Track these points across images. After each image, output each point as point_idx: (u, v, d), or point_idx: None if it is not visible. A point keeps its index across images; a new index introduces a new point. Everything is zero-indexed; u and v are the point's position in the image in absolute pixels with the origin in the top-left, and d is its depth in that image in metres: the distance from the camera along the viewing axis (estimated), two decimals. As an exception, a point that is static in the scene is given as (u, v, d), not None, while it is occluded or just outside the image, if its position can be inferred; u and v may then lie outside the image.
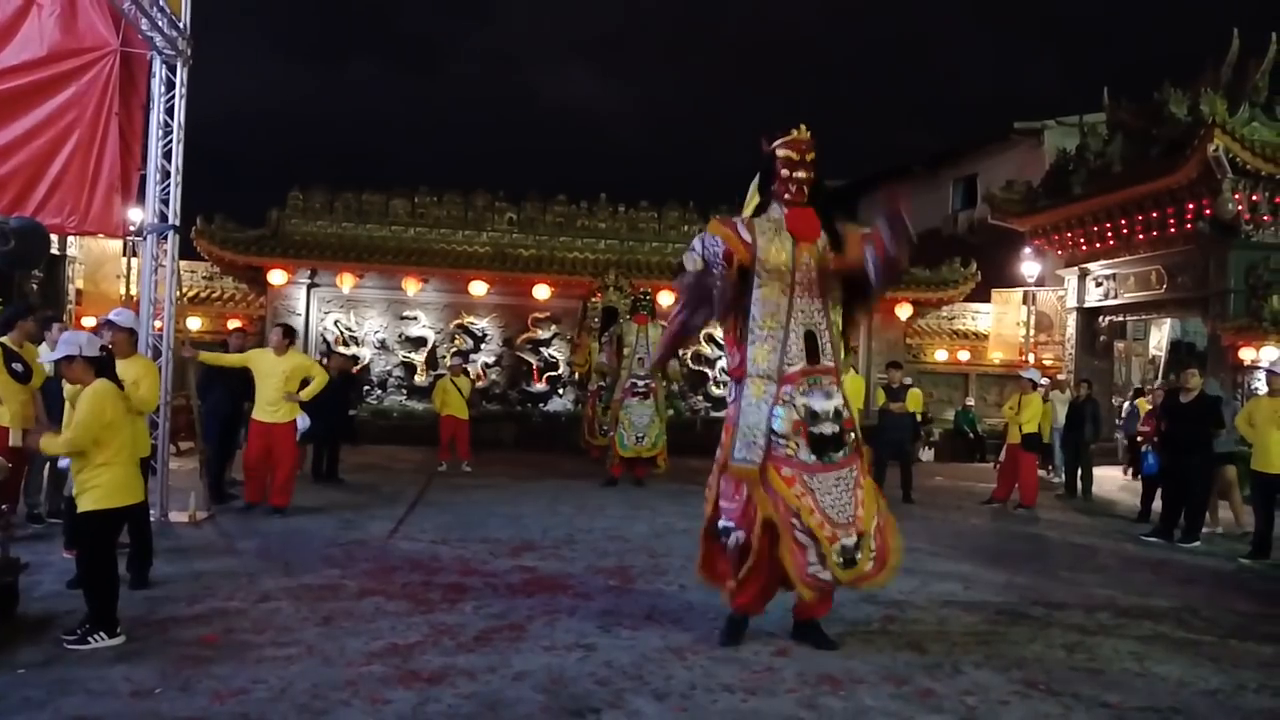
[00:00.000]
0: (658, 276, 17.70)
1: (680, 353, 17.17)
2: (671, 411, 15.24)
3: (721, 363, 18.35)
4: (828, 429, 4.66)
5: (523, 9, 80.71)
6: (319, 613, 5.40)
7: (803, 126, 4.82)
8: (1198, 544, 9.21)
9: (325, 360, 14.51)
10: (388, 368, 17.81)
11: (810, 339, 4.74)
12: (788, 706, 4.15)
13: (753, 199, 5.03)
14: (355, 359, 17.05)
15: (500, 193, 18.77)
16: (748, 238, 4.73)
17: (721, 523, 4.89)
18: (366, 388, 17.36)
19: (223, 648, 4.68)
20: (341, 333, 17.67)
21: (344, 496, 10.32)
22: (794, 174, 4.79)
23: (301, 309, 17.62)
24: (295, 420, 8.85)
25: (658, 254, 18.66)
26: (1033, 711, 4.24)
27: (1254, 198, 13.94)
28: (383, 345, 17.83)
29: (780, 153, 4.82)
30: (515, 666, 4.58)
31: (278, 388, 8.57)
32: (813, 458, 4.62)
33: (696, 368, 18.34)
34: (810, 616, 4.96)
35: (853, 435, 4.80)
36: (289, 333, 9.11)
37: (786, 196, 4.83)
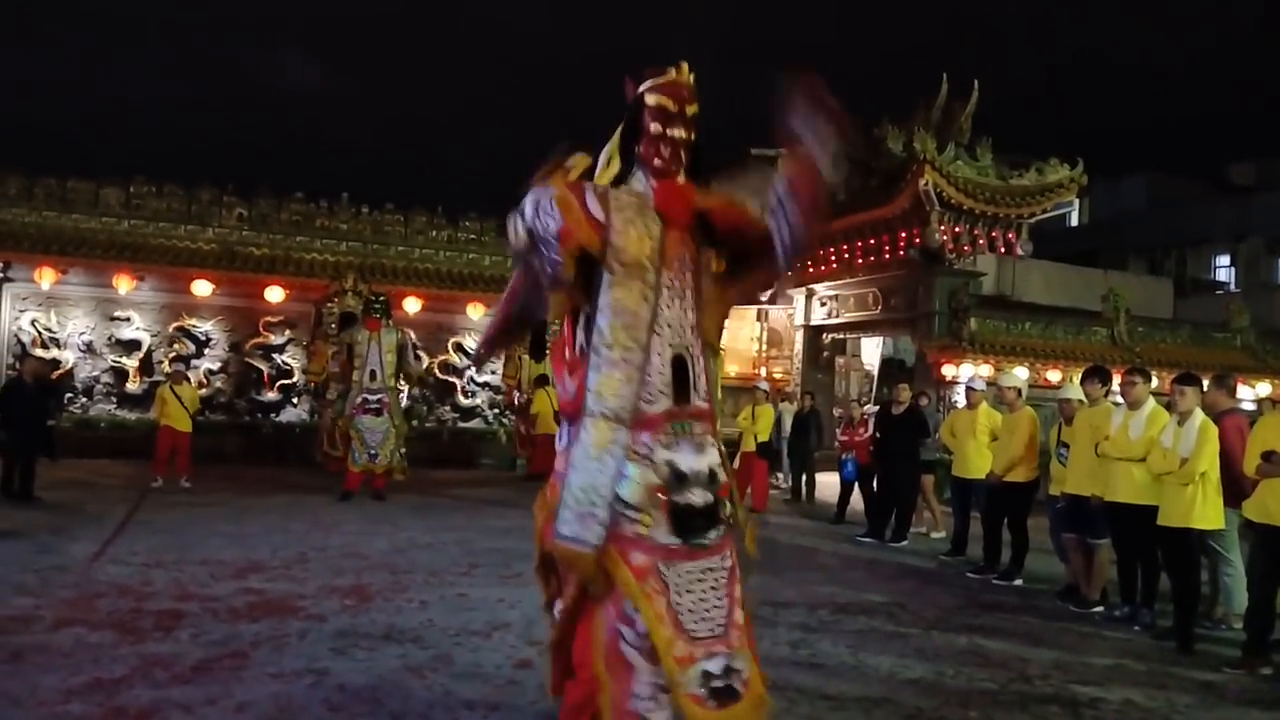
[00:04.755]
0: (403, 282, 17.20)
1: (418, 357, 16.82)
2: (415, 421, 14.82)
3: (471, 372, 18.08)
4: (698, 498, 3.15)
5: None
6: (6, 648, 4.81)
7: (684, 65, 3.41)
8: (905, 543, 10.08)
9: (19, 365, 13.01)
10: (95, 373, 16.15)
11: (680, 367, 3.24)
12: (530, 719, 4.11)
13: (610, 164, 3.51)
14: (56, 363, 15.36)
15: (229, 186, 17.53)
16: (598, 213, 3.20)
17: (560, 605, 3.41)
18: (69, 396, 15.69)
19: (-124, 696, 4.04)
20: (40, 334, 15.82)
21: (40, 517, 9.24)
22: (668, 131, 3.31)
23: (-8, 306, 15.68)
24: None
25: (404, 259, 18.12)
26: (762, 709, 4.43)
27: (956, 230, 15.50)
28: (89, 348, 16.15)
29: (650, 100, 3.33)
30: (237, 697, 4.25)
31: None
32: (675, 540, 3.11)
33: (444, 377, 17.95)
34: None
35: (729, 507, 3.31)
36: None
37: (657, 163, 3.33)
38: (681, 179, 3.38)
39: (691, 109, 3.36)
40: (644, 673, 3.02)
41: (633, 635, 3.02)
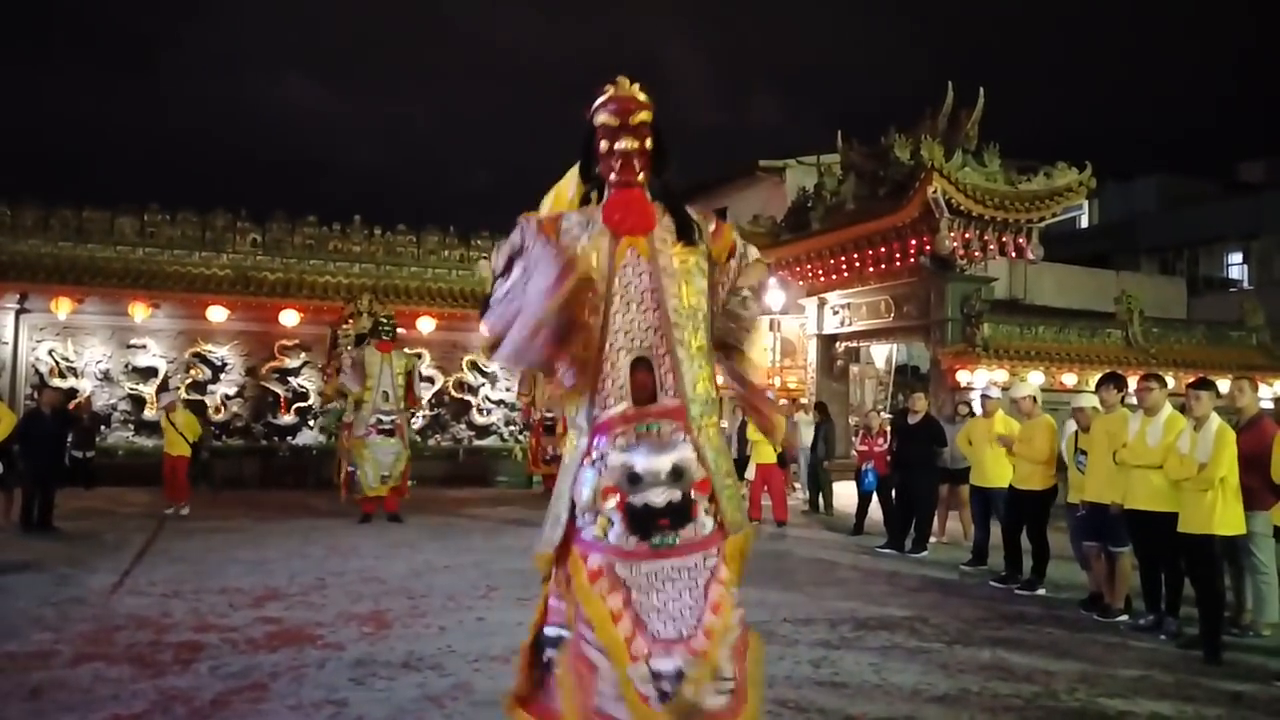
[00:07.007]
0: (417, 302, 17.31)
1: (430, 379, 16.87)
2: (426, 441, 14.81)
3: (485, 389, 18.13)
4: (658, 497, 3.16)
5: (242, 12, 76.15)
6: (26, 685, 4.82)
7: (623, 79, 3.43)
8: (925, 553, 10.01)
9: (37, 395, 13.11)
10: (112, 401, 16.27)
11: (643, 368, 3.27)
12: (550, 749, 4.08)
13: (577, 191, 3.61)
14: (73, 392, 15.47)
15: (242, 212, 17.70)
16: (564, 238, 3.35)
17: (549, 629, 3.29)
18: (102, 425, 15.83)
19: (-101, 738, 4.06)
20: (57, 363, 15.98)
21: (59, 547, 9.29)
22: (615, 145, 3.36)
23: (9, 337, 15.79)
24: None
25: (416, 279, 18.23)
26: (784, 731, 4.40)
27: (966, 235, 15.42)
28: (106, 376, 16.28)
29: (598, 119, 3.38)
30: (257, 731, 4.25)
31: None
32: (633, 540, 3.13)
33: (459, 395, 18.00)
34: None
35: (711, 504, 3.26)
36: None
37: (612, 177, 3.40)
38: (638, 188, 3.41)
39: (638, 118, 3.37)
40: (607, 671, 3.01)
41: (592, 635, 3.04)
